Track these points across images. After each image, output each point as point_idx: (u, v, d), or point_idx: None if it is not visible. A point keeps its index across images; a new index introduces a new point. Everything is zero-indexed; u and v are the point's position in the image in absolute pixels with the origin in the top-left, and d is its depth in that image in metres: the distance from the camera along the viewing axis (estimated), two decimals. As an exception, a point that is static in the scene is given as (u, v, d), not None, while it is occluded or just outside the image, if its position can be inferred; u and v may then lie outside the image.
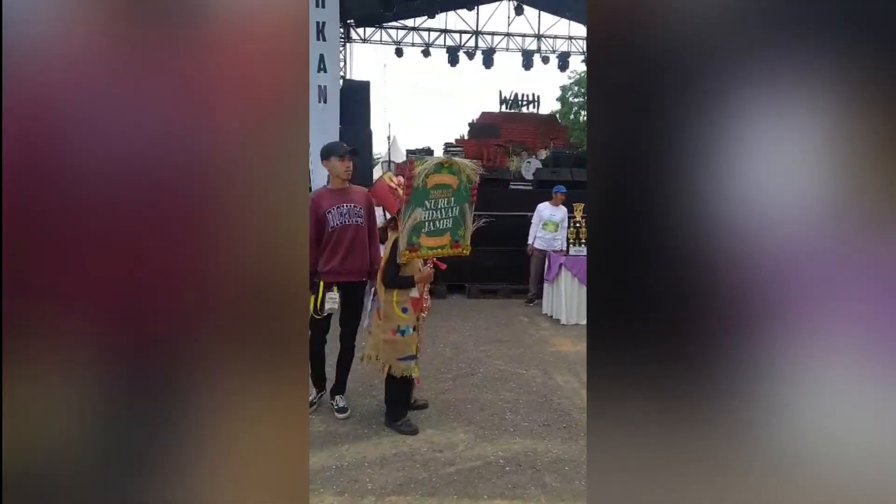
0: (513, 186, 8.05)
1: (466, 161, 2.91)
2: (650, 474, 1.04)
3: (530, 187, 7.90)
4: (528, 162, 9.11)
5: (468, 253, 2.95)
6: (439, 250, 2.85)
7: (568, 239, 5.72)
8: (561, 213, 6.04)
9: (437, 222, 2.78)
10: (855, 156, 0.96)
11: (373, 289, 3.13)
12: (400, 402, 2.98)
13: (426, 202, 2.72)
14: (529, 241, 6.13)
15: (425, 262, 2.94)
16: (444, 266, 3.01)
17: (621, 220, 1.08)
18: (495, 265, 6.64)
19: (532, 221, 6.13)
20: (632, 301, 1.06)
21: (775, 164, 1.00)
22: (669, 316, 1.04)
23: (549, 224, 6.02)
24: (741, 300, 1.01)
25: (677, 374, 1.04)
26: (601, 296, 1.10)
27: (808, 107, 0.98)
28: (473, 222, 2.95)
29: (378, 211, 3.28)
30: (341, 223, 2.98)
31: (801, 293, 0.99)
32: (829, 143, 0.97)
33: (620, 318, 1.07)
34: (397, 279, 2.80)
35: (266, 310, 1.03)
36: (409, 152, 10.93)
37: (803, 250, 0.99)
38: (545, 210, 6.08)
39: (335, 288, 2.99)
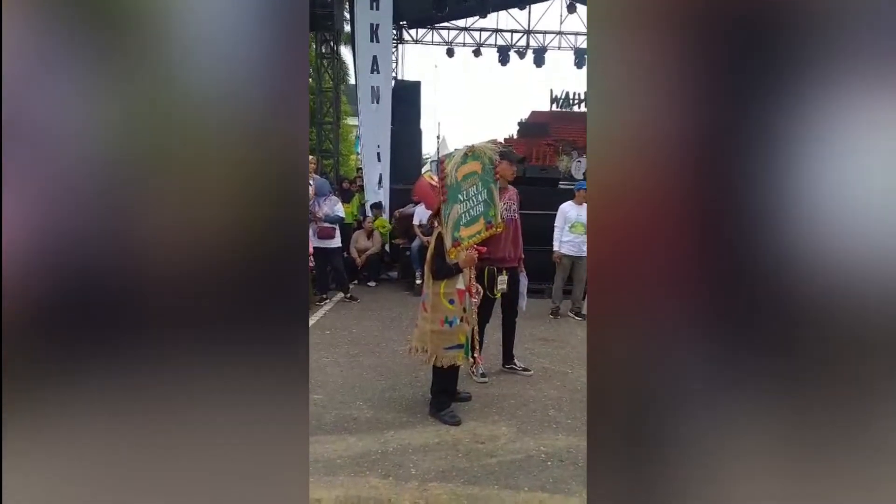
0: (562, 186, 7.95)
1: (485, 143, 3.02)
2: (648, 475, 1.03)
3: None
4: (579, 161, 8.95)
5: (501, 230, 3.08)
6: (477, 236, 2.97)
7: None
8: None
9: (471, 211, 2.93)
10: None
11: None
12: (445, 393, 3.05)
13: (460, 195, 2.88)
14: (555, 248, 5.46)
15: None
16: (483, 249, 3.08)
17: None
18: (542, 265, 6.57)
19: (556, 224, 5.45)
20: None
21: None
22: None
23: (577, 225, 5.38)
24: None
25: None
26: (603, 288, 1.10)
27: None
28: (500, 199, 3.02)
29: (420, 207, 3.41)
30: (507, 217, 3.42)
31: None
32: None
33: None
34: (444, 269, 2.87)
35: (267, 305, 1.04)
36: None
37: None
38: (570, 210, 5.42)
39: (504, 272, 3.48)
